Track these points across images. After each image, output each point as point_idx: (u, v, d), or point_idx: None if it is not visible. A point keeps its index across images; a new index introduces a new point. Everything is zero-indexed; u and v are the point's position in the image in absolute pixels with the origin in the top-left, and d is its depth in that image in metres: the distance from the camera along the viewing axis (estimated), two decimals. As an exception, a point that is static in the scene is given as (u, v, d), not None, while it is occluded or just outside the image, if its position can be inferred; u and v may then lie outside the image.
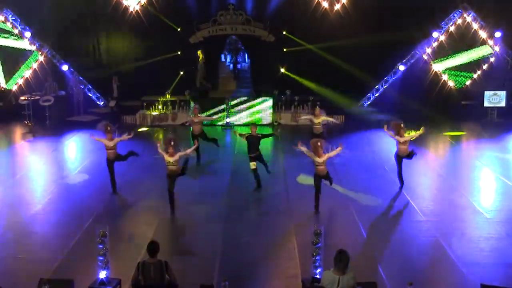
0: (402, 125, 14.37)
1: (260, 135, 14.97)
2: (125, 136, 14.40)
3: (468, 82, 23.95)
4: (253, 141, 14.83)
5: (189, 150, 13.23)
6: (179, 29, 24.16)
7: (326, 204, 13.46)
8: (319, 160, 12.79)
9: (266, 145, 19.89)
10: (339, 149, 13.04)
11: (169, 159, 12.87)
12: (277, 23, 24.05)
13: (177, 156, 12.91)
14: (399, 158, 14.52)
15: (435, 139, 20.57)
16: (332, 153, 13.00)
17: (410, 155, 14.44)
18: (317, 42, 23.86)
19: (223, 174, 16.02)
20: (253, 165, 14.76)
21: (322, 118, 16.99)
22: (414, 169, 16.34)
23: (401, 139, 14.26)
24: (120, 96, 24.15)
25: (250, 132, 15.03)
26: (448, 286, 10.15)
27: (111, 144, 14.20)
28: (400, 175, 14.66)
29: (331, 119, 17.95)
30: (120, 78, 23.92)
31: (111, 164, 14.37)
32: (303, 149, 13.09)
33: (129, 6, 24.04)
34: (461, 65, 23.90)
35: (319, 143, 12.80)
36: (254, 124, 15.55)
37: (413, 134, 14.68)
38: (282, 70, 24.40)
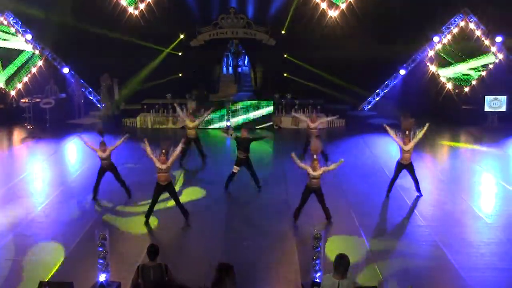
0: (406, 133, 13.95)
1: (250, 137, 14.95)
2: (119, 142, 14.09)
3: (470, 86, 23.97)
4: (242, 142, 14.70)
5: (178, 150, 12.68)
6: (182, 36, 24.19)
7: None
8: (314, 173, 12.30)
9: (266, 148, 19.95)
10: (339, 162, 12.47)
11: (160, 166, 12.50)
12: (278, 26, 24.08)
13: (169, 163, 12.50)
14: (399, 166, 14.23)
15: (435, 144, 20.56)
16: (330, 167, 12.47)
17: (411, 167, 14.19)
18: (318, 44, 23.88)
19: (223, 179, 15.98)
20: (235, 169, 14.71)
21: (317, 123, 17.07)
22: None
23: (405, 147, 13.99)
24: (122, 97, 24.13)
25: (241, 134, 14.91)
26: (448, 291, 10.15)
27: (104, 155, 13.90)
28: (392, 183, 14.40)
29: (324, 120, 18.35)
30: (119, 81, 23.84)
31: (103, 172, 14.06)
32: (297, 161, 12.49)
33: (129, 8, 24.12)
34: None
35: (315, 156, 12.42)
36: (245, 127, 15.42)
37: (418, 135, 14.05)
38: (285, 74, 24.45)
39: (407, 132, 13.98)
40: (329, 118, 19.38)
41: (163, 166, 12.42)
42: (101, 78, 23.55)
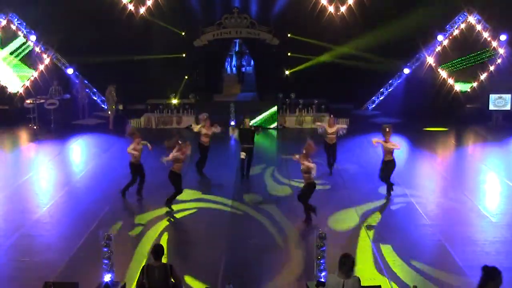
0: (387, 129, 14.04)
1: (253, 128, 15.43)
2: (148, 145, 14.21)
3: (475, 84, 23.92)
4: (245, 133, 15.28)
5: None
6: (183, 34, 24.21)
7: (330, 207, 13.49)
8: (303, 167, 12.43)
9: (272, 147, 19.96)
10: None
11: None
12: (282, 26, 24.06)
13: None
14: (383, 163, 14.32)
15: (439, 142, 20.53)
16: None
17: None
18: (322, 45, 23.88)
19: (228, 178, 16.00)
20: (242, 155, 15.20)
21: (336, 128, 16.15)
22: (419, 172, 16.34)
23: (387, 144, 13.98)
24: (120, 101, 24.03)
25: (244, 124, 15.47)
26: (453, 290, 10.13)
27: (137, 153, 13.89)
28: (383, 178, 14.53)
29: (343, 126, 16.82)
30: (118, 87, 23.56)
31: (135, 168, 13.97)
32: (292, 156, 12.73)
33: (132, 8, 24.16)
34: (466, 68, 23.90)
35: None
36: (247, 119, 15.88)
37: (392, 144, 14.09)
38: (287, 72, 24.45)
39: (387, 129, 14.06)
40: (343, 126, 17.10)
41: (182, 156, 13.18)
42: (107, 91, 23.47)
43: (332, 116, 16.72)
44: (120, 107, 23.38)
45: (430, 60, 24.19)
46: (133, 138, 14.04)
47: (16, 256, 11.22)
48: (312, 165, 12.26)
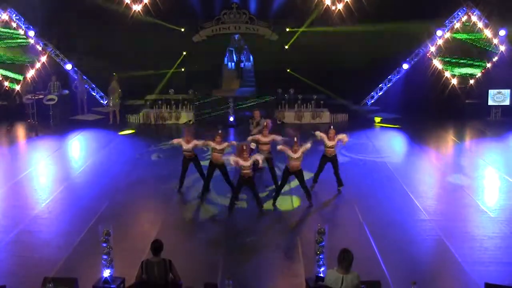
0: (295, 139, 13.24)
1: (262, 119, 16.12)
2: (202, 143, 14.04)
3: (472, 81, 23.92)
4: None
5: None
6: (182, 30, 24.19)
7: (330, 203, 13.49)
8: (294, 155, 12.97)
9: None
10: (308, 145, 13.32)
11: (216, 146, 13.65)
12: (281, 21, 24.05)
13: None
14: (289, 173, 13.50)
15: (439, 137, 20.55)
16: (307, 145, 13.29)
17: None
18: (321, 40, 23.84)
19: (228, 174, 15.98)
20: (252, 145, 15.40)
21: (337, 139, 14.28)
22: (418, 168, 16.33)
23: (294, 155, 13.13)
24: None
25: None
26: (452, 286, 10.13)
27: (187, 146, 13.94)
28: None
29: (345, 140, 14.38)
30: (121, 78, 23.57)
31: (187, 163, 14.21)
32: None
33: (132, 5, 24.10)
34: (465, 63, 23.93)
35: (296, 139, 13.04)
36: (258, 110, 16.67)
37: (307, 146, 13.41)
38: (288, 70, 24.44)
39: (295, 139, 13.27)
40: (344, 139, 14.44)
41: (219, 146, 13.65)
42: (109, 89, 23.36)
43: (332, 127, 14.65)
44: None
45: (429, 55, 24.15)
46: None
47: (15, 252, 11.22)
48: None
